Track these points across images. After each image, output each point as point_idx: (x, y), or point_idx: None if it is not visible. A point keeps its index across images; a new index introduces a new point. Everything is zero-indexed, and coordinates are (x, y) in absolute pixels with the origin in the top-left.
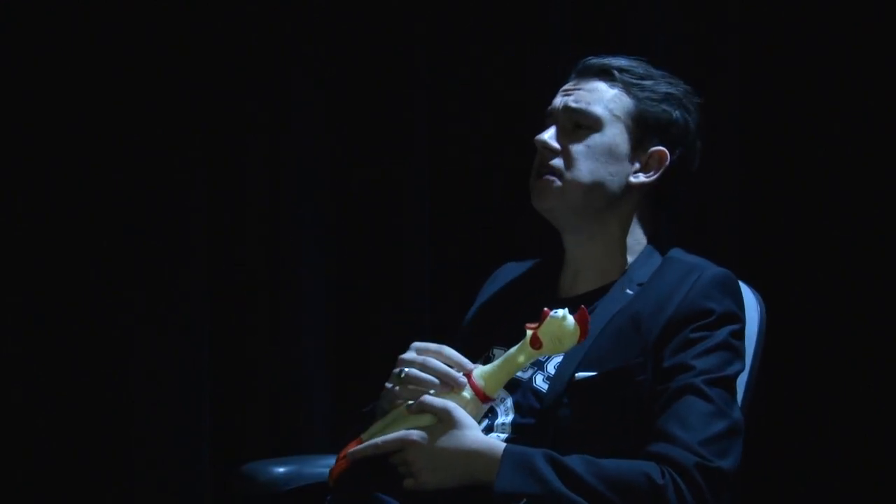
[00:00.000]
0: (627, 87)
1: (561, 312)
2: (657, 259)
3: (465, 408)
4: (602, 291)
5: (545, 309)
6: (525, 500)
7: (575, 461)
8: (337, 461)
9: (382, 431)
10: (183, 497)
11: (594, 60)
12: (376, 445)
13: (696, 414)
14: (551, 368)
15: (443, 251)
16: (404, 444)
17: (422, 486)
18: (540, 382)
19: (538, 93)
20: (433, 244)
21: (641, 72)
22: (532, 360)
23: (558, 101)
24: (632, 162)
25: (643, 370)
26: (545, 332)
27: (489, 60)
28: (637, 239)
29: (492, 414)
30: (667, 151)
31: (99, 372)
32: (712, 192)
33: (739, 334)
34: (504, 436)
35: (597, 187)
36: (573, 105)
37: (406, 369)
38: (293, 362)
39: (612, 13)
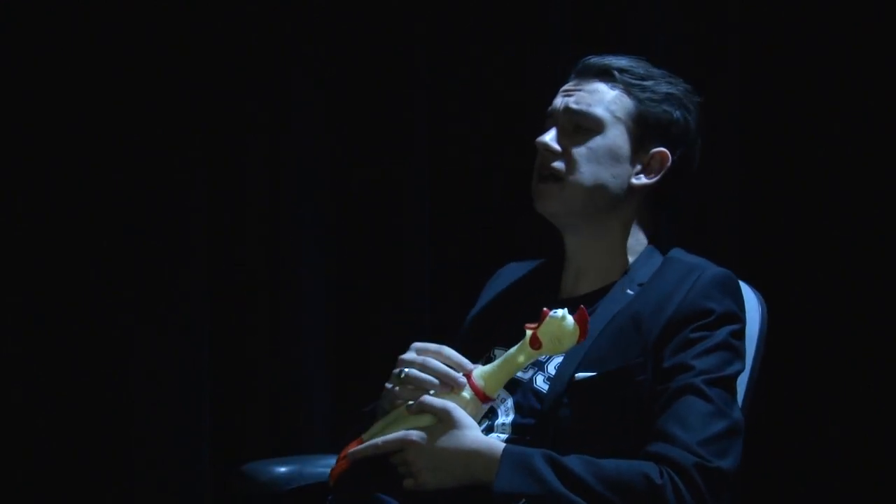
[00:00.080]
0: (628, 88)
1: (560, 312)
2: (658, 259)
3: (464, 408)
4: (603, 292)
5: (544, 309)
6: (524, 500)
7: (574, 461)
8: (337, 461)
9: (382, 431)
10: (183, 497)
11: (594, 60)
12: (376, 446)
13: (695, 414)
14: (552, 369)
15: (443, 251)
16: (404, 444)
17: (422, 486)
18: (540, 383)
19: (538, 93)
20: (433, 244)
21: (642, 72)
22: (532, 361)
23: (559, 101)
24: (633, 163)
25: (643, 370)
26: (544, 332)
27: (489, 60)
28: (638, 239)
29: (492, 414)
30: (668, 152)
31: (99, 372)
32: (712, 192)
33: (739, 334)
34: (504, 436)
35: (599, 190)
36: (574, 107)
37: (406, 369)
38: (293, 362)
39: (612, 13)
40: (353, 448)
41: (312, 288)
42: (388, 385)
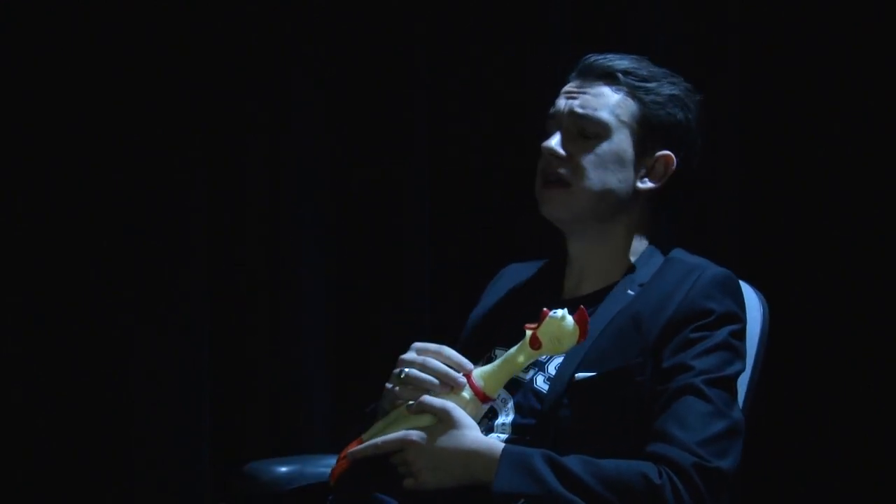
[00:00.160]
0: (632, 91)
1: (560, 313)
2: (659, 259)
3: (464, 408)
4: (605, 292)
5: (544, 309)
6: (523, 500)
7: (573, 461)
8: (338, 461)
9: (383, 431)
10: (183, 497)
11: (597, 62)
12: (376, 445)
13: (694, 414)
14: (552, 369)
15: (443, 251)
16: (404, 444)
17: (421, 486)
18: (540, 383)
19: (538, 93)
20: (433, 244)
21: (645, 73)
22: (532, 361)
23: (562, 104)
24: (638, 167)
25: (643, 370)
26: (544, 332)
27: (489, 60)
28: (640, 240)
29: (492, 414)
30: (673, 156)
31: (99, 372)
32: (712, 192)
33: (740, 334)
34: (504, 436)
35: (606, 195)
36: (580, 111)
37: (406, 370)
38: (293, 362)
39: (612, 13)
40: (353, 448)
41: (312, 288)
42: (389, 385)
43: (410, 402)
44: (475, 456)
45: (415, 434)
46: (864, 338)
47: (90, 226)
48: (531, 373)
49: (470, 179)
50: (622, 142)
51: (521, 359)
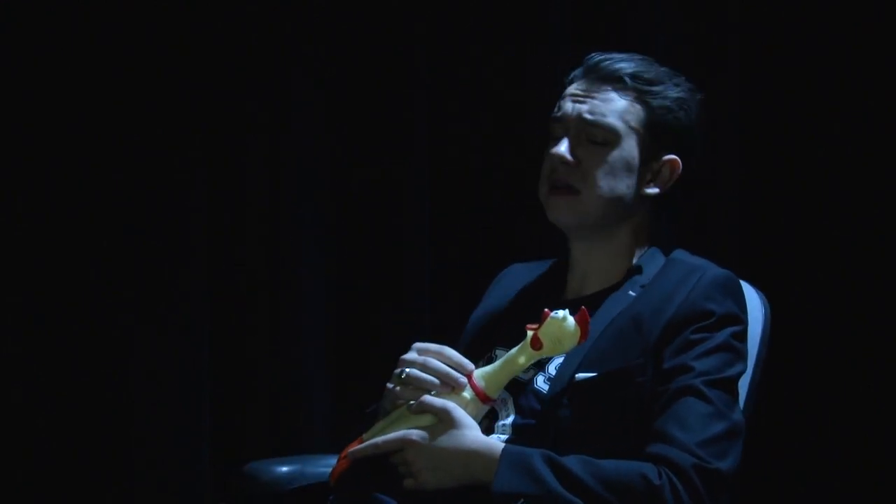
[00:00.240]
0: (640, 95)
1: (561, 313)
2: (661, 260)
3: (465, 408)
4: (608, 293)
5: (545, 310)
6: (522, 500)
7: (573, 461)
8: (338, 460)
9: (383, 431)
10: (183, 497)
11: (604, 64)
12: (376, 445)
13: (694, 415)
14: (552, 369)
15: (443, 251)
16: (404, 443)
17: (421, 486)
18: (541, 383)
19: (538, 93)
20: (433, 244)
21: (651, 76)
22: (533, 361)
23: (569, 107)
24: (644, 172)
25: (643, 371)
26: (545, 332)
27: (489, 60)
28: (643, 241)
29: (492, 415)
30: (679, 160)
31: (99, 372)
32: (712, 192)
33: (740, 336)
34: (504, 436)
35: (614, 202)
36: (589, 117)
37: (407, 370)
38: (293, 362)
39: (612, 13)
40: (354, 447)
41: (312, 288)
42: (389, 385)
43: (411, 402)
44: (475, 456)
45: (415, 434)
46: (865, 338)
47: (90, 226)
48: (531, 373)
49: (470, 179)
50: (631, 148)
51: (522, 359)
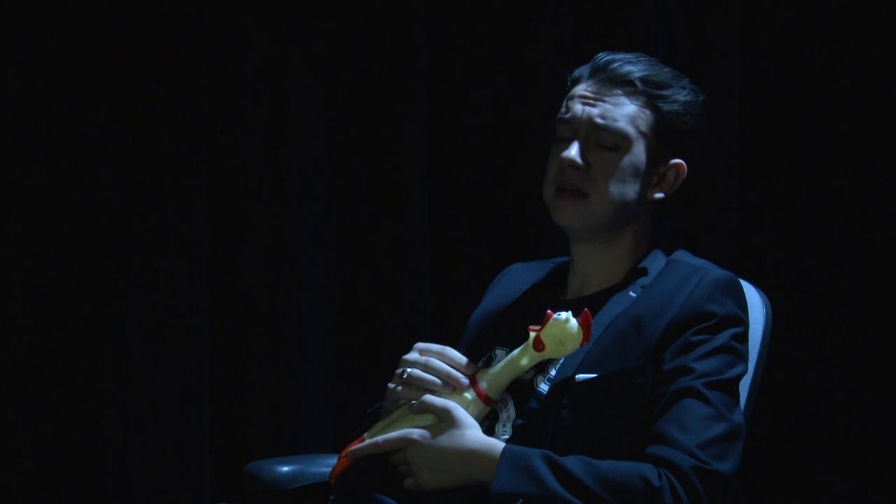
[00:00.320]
0: (650, 100)
1: (564, 315)
2: (662, 261)
3: (466, 408)
4: (609, 293)
5: (548, 311)
6: (521, 500)
7: (572, 462)
8: (339, 459)
9: (384, 431)
10: (183, 497)
11: (613, 65)
12: (377, 444)
13: (694, 417)
14: (552, 370)
15: (443, 251)
16: (404, 442)
17: (421, 486)
18: (541, 384)
19: (538, 93)
20: (433, 244)
21: (661, 80)
22: (535, 363)
23: (579, 109)
24: (650, 176)
25: (644, 373)
26: (548, 334)
27: (489, 60)
28: (644, 242)
29: (493, 415)
30: (685, 164)
31: (98, 372)
32: (712, 192)
33: (741, 337)
34: (504, 437)
35: (622, 207)
36: (601, 122)
37: (408, 370)
38: (293, 362)
39: (612, 13)
40: (355, 446)
41: (312, 288)
42: (391, 385)
43: (413, 402)
44: (475, 456)
45: (416, 433)
46: (865, 338)
47: (90, 226)
48: (531, 374)
49: (470, 179)
50: (640, 153)
51: (524, 361)
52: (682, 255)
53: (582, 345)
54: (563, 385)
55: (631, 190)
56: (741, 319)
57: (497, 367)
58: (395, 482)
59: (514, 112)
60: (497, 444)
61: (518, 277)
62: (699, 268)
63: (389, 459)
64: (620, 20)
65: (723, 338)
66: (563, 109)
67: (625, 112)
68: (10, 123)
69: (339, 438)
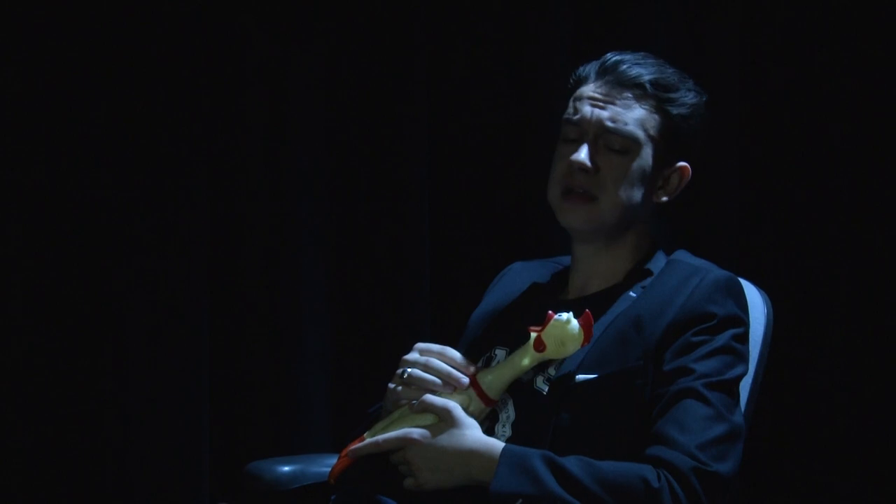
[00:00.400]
0: (659, 104)
1: (565, 316)
2: (663, 261)
3: (466, 409)
4: (609, 293)
5: (549, 312)
6: (521, 500)
7: (572, 462)
8: (339, 458)
9: (384, 430)
10: (183, 497)
11: (622, 66)
12: (377, 443)
13: (694, 417)
14: (552, 370)
15: (443, 251)
16: (404, 442)
17: (421, 486)
18: (541, 384)
19: (538, 93)
20: (433, 244)
21: (669, 82)
22: (536, 363)
23: (588, 111)
24: (655, 179)
25: (644, 373)
26: (549, 335)
27: (489, 60)
28: (645, 243)
29: (493, 415)
30: (689, 167)
31: (98, 372)
32: (712, 192)
33: (742, 338)
34: (504, 437)
35: (629, 210)
36: (610, 125)
37: (409, 370)
38: (293, 362)
39: (612, 13)
40: (355, 445)
41: (312, 287)
42: (391, 385)
43: (413, 402)
44: (475, 456)
45: (416, 432)
46: (866, 337)
47: (90, 226)
48: (531, 374)
49: (470, 179)
50: (647, 157)
51: (525, 361)
52: (682, 256)
53: (583, 345)
54: (563, 385)
55: (638, 193)
56: (741, 320)
57: (497, 368)
58: (395, 482)
59: (514, 112)
60: (497, 444)
61: (518, 276)
62: (699, 268)
63: (389, 459)
64: (620, 20)
65: (723, 338)
66: (571, 110)
67: (634, 115)
68: (10, 123)
69: (339, 438)
